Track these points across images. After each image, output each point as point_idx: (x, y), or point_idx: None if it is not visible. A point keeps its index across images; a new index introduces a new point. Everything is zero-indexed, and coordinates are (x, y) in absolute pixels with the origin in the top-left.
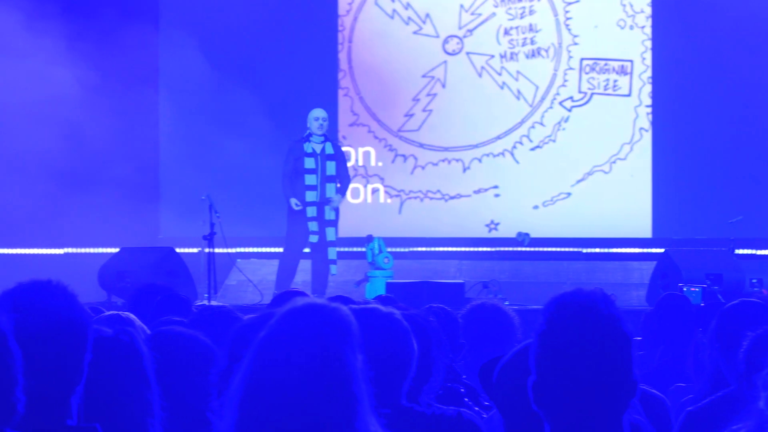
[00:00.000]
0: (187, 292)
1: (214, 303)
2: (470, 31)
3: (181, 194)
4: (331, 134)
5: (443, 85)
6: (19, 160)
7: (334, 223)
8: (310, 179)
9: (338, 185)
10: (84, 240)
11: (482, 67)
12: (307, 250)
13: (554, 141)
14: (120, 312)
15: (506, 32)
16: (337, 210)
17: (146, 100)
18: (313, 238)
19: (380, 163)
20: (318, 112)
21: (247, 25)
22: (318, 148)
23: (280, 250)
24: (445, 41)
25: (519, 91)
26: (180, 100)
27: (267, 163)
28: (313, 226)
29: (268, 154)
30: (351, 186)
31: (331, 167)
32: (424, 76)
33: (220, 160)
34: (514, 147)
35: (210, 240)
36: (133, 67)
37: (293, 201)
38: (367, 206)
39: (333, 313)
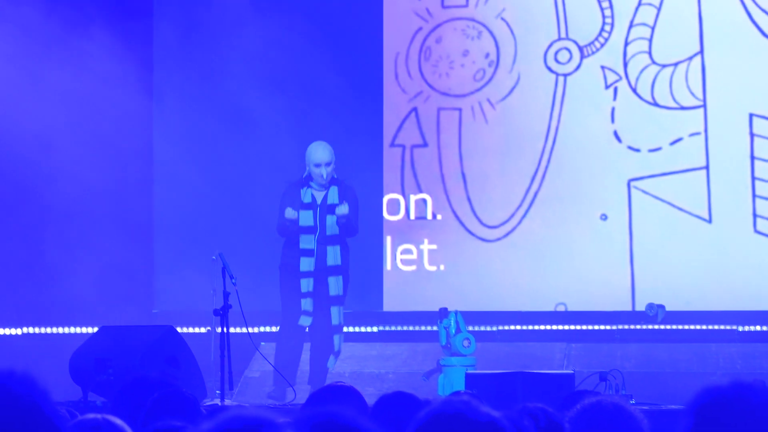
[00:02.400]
0: (193, 388)
1: (229, 402)
2: None
3: (184, 252)
4: (342, 173)
5: None
6: None
7: (339, 300)
8: (306, 241)
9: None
10: (50, 316)
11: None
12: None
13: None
14: (100, 415)
15: None
16: (343, 274)
17: (136, 111)
18: (305, 321)
19: None
20: (319, 154)
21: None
22: (319, 197)
23: None
24: None
25: None
26: (182, 118)
27: None
28: (306, 304)
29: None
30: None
31: (332, 223)
32: None
33: (238, 205)
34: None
35: (223, 316)
36: (120, 61)
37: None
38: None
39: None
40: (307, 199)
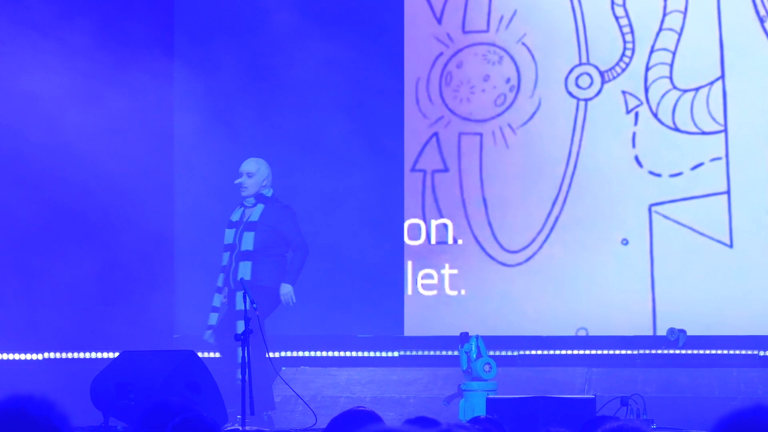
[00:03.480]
0: (214, 413)
1: (250, 428)
2: None
3: (205, 277)
4: (281, 195)
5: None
6: None
7: (243, 315)
8: (225, 258)
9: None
10: (70, 341)
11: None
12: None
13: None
14: None
15: None
16: (247, 289)
17: (158, 136)
18: (208, 336)
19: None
20: (243, 164)
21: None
22: (248, 214)
23: (342, 354)
24: None
25: None
26: (200, 142)
27: (323, 232)
28: (212, 318)
29: (323, 220)
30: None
31: (247, 240)
32: None
33: None
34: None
35: (245, 341)
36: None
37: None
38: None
39: None
40: (235, 218)
